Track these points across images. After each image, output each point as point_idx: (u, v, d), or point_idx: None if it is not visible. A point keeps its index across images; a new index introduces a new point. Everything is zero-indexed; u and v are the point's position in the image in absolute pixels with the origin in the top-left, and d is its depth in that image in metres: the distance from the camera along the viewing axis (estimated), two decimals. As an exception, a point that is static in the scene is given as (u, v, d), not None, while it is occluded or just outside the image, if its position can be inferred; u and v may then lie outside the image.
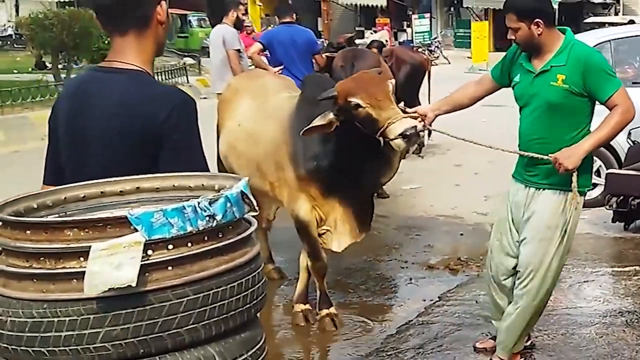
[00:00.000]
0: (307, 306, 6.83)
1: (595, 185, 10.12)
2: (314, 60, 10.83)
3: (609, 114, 5.18)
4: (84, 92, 3.09)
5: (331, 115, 5.69)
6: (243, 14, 11.69)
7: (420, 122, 5.54)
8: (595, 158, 10.05)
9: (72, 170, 3.11)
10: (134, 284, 2.39)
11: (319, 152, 6.09)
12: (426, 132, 8.22)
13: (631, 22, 26.26)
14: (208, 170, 3.02)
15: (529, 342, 5.97)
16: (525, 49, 5.38)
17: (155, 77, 14.30)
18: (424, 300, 7.31)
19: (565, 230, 5.35)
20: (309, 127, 5.72)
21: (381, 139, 5.55)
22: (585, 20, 31.50)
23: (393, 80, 5.97)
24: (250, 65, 11.56)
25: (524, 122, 5.46)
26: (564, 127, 5.27)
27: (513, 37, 5.36)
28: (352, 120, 5.69)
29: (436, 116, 5.66)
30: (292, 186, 6.27)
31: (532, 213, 5.40)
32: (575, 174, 5.13)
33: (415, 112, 5.67)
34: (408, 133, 5.40)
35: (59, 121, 3.17)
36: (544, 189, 5.35)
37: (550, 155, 5.19)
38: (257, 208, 2.77)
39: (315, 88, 6.12)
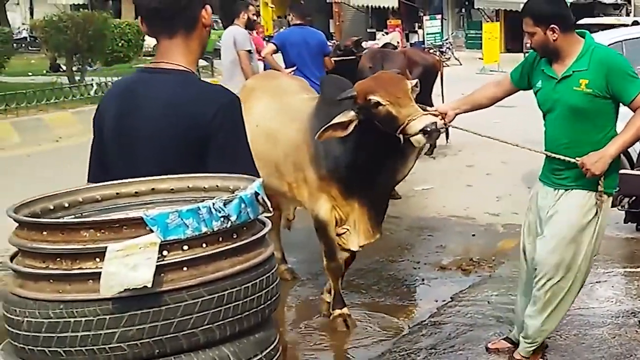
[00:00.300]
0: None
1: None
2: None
3: (634, 116, 5.17)
4: (131, 92, 3.17)
5: (352, 113, 5.74)
6: (254, 15, 11.71)
7: (440, 119, 5.57)
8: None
9: (121, 169, 3.14)
10: (149, 285, 2.41)
11: (340, 153, 6.14)
12: (443, 134, 8.24)
13: (635, 23, 26.09)
14: (255, 169, 3.06)
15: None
16: (542, 54, 5.38)
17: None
18: (436, 301, 7.32)
19: (595, 232, 5.37)
20: (328, 124, 5.76)
21: (401, 136, 5.59)
22: (579, 22, 31.13)
23: (414, 81, 6.00)
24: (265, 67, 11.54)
25: (550, 128, 5.46)
26: (590, 130, 5.27)
27: (529, 42, 5.36)
28: (372, 118, 5.74)
29: (456, 114, 5.68)
30: (312, 186, 6.30)
31: (556, 212, 5.40)
32: (602, 178, 5.15)
33: (435, 110, 5.70)
34: (429, 129, 5.44)
35: (105, 121, 3.22)
36: (572, 189, 5.35)
37: (577, 159, 5.18)
38: (271, 209, 2.79)
39: (334, 89, 6.18)
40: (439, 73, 14.13)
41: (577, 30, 5.36)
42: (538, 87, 5.45)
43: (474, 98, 5.90)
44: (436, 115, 5.59)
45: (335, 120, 5.76)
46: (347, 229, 6.40)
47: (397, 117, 5.60)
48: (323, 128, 5.78)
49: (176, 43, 3.13)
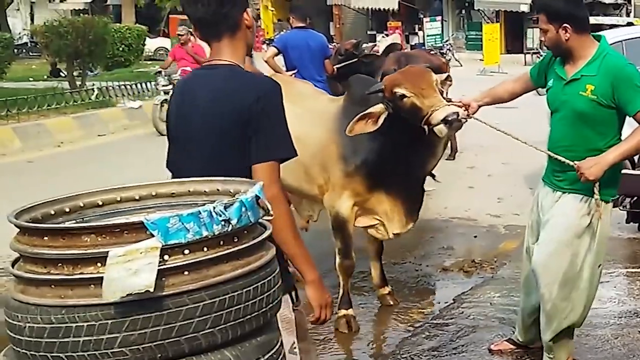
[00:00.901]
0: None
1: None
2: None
3: (638, 127, 5.12)
4: (189, 86, 3.68)
5: (381, 106, 5.84)
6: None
7: (464, 110, 5.61)
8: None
9: (181, 152, 3.64)
10: (151, 290, 2.42)
11: (368, 148, 6.24)
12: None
13: (630, 24, 26.06)
14: (293, 150, 3.48)
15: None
16: (554, 53, 5.34)
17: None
18: (439, 303, 7.32)
19: (595, 240, 5.31)
20: (360, 115, 5.87)
21: (425, 127, 5.67)
22: None
23: (444, 75, 6.11)
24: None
25: (554, 128, 5.43)
26: (592, 136, 5.21)
27: (543, 39, 5.35)
28: (398, 111, 5.85)
29: (479, 107, 5.70)
30: (337, 184, 6.36)
31: (551, 216, 5.37)
32: (597, 184, 5.08)
33: (459, 102, 5.73)
34: (450, 119, 5.52)
35: (171, 115, 3.73)
36: (568, 193, 5.32)
37: (575, 162, 5.14)
38: (271, 212, 2.80)
39: (362, 88, 6.29)
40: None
41: (593, 34, 5.32)
42: (549, 86, 5.44)
43: (495, 92, 5.92)
44: (459, 107, 5.63)
45: (367, 111, 5.84)
46: (379, 221, 6.52)
47: (420, 107, 5.71)
48: (354, 120, 5.86)
49: (224, 44, 3.56)
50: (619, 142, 5.22)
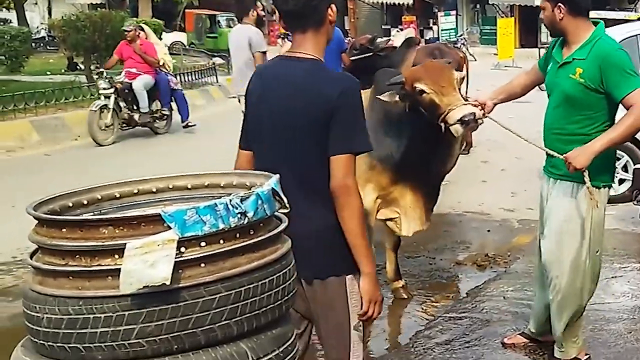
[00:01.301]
0: (403, 282, 7.29)
1: (622, 180, 10.11)
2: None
3: (625, 114, 5.09)
4: (272, 74, 3.79)
5: (397, 97, 5.92)
6: (262, 11, 11.63)
7: (480, 110, 5.62)
8: (622, 154, 10.01)
9: (260, 138, 3.76)
10: (168, 282, 2.44)
11: (392, 143, 6.32)
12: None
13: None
14: (369, 143, 3.67)
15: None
16: (551, 33, 5.36)
17: (186, 77, 14.43)
18: (452, 297, 7.34)
19: (586, 226, 5.31)
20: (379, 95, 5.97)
21: (442, 124, 5.70)
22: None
23: (462, 73, 6.12)
24: None
25: (547, 112, 5.44)
26: (580, 121, 5.19)
27: (542, 17, 5.37)
28: (417, 105, 5.89)
29: (495, 105, 5.71)
30: (360, 176, 6.41)
31: (550, 207, 5.39)
32: (587, 172, 5.06)
33: (475, 101, 5.74)
34: (466, 119, 5.55)
35: (252, 97, 3.84)
36: (559, 180, 5.33)
37: (563, 155, 5.14)
38: (287, 205, 2.82)
39: (387, 81, 6.29)
40: (464, 70, 14.06)
41: (593, 20, 5.32)
42: (547, 71, 5.46)
43: (509, 87, 5.92)
44: (476, 106, 5.64)
45: (382, 97, 5.91)
46: (398, 214, 6.65)
47: (439, 105, 5.75)
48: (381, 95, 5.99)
49: (307, 37, 3.68)
50: (607, 129, 5.21)
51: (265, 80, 3.80)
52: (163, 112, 17.03)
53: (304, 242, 3.30)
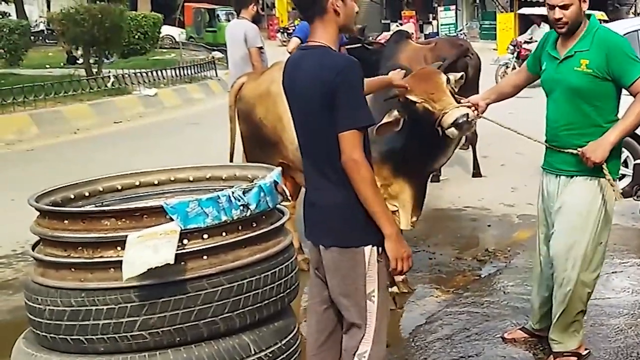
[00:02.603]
0: (403, 276, 7.21)
1: (623, 176, 10.10)
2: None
3: (633, 102, 5.11)
4: (294, 63, 4.10)
5: (396, 112, 5.85)
6: (261, 8, 11.61)
7: (473, 110, 5.62)
8: (622, 149, 10.00)
9: (294, 123, 4.08)
10: (171, 262, 2.43)
11: (394, 137, 6.29)
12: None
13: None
14: (370, 116, 3.89)
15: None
16: (569, 30, 5.24)
17: (185, 71, 14.47)
18: (452, 291, 7.33)
19: (600, 218, 5.32)
20: (380, 124, 5.86)
21: (439, 129, 5.73)
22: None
23: (459, 74, 6.23)
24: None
25: (550, 109, 5.44)
26: (590, 112, 5.21)
27: (561, 16, 5.23)
28: (414, 115, 5.89)
29: (487, 105, 5.72)
30: None
31: (563, 203, 5.37)
32: (605, 165, 5.11)
33: (468, 102, 5.74)
34: (460, 121, 5.57)
35: (282, 88, 4.16)
36: (575, 176, 5.32)
37: (578, 150, 5.16)
38: (290, 198, 2.82)
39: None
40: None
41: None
42: (543, 69, 5.45)
43: (500, 87, 6.03)
44: (469, 107, 5.64)
45: (383, 120, 5.86)
46: (397, 208, 6.70)
47: (432, 112, 5.77)
48: (377, 126, 5.87)
49: (316, 26, 3.98)
50: (617, 117, 5.25)
51: (289, 70, 4.11)
52: None
53: (326, 214, 3.69)
